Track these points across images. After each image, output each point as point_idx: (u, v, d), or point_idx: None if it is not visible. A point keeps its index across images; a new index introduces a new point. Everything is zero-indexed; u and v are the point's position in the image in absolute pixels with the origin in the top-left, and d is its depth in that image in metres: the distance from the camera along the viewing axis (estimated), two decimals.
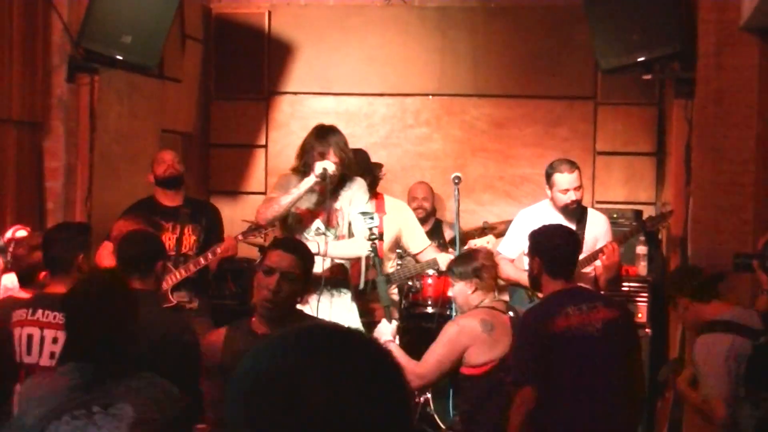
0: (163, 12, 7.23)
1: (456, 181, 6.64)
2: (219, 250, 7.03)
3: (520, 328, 5.11)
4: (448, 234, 8.25)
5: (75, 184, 7.24)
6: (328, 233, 6.26)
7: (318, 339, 1.59)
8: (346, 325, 1.65)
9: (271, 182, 9.55)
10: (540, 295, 5.55)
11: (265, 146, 9.69)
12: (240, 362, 1.59)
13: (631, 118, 9.11)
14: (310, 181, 6.04)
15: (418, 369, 5.61)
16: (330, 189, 6.12)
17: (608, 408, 4.93)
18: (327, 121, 9.38)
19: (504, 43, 9.35)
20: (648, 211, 8.58)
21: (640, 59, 7.04)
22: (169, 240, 7.15)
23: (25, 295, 5.27)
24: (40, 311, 4.94)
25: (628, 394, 5.04)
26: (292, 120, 9.67)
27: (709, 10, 6.81)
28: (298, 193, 6.04)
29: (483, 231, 7.67)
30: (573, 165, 6.92)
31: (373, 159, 7.55)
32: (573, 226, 6.91)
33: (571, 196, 6.86)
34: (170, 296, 6.82)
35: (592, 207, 7.75)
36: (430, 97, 9.49)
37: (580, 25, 8.34)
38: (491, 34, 9.37)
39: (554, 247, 5.14)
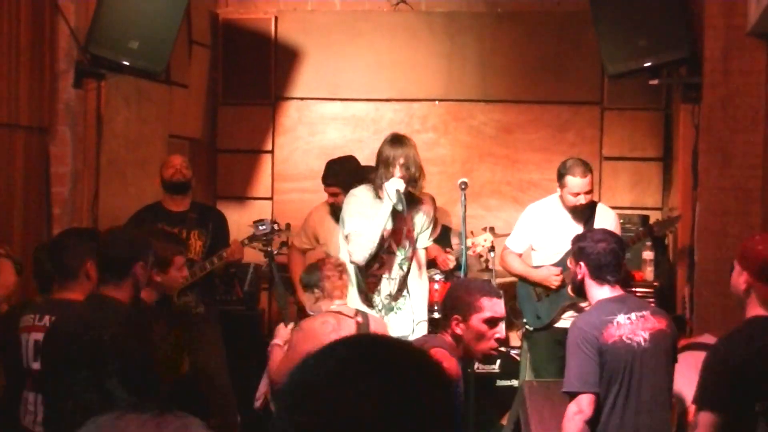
0: (170, 18, 7.23)
1: (462, 186, 6.63)
2: (225, 255, 7.04)
3: (574, 336, 4.94)
4: (455, 243, 8.25)
5: (82, 189, 7.24)
6: (398, 253, 6.29)
7: (367, 349, 1.60)
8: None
9: (278, 187, 9.59)
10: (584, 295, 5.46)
11: (272, 152, 9.69)
12: (291, 371, 1.60)
13: (637, 123, 9.11)
14: (389, 206, 6.06)
15: (270, 374, 5.81)
16: (404, 208, 6.14)
17: (653, 419, 4.87)
18: (333, 127, 9.51)
19: (511, 48, 9.35)
20: (655, 216, 8.57)
21: (647, 64, 7.03)
22: None
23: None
24: (47, 317, 4.93)
25: (669, 405, 5.00)
26: (299, 125, 9.67)
27: (715, 15, 6.80)
28: (383, 221, 6.06)
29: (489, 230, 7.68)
30: (586, 169, 6.90)
31: None
32: (581, 224, 6.93)
33: (581, 200, 6.87)
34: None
35: None
36: (437, 102, 9.50)
37: (587, 30, 8.33)
38: (498, 39, 9.37)
39: (599, 253, 4.99)
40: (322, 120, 9.62)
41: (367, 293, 6.31)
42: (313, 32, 9.61)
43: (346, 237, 6.16)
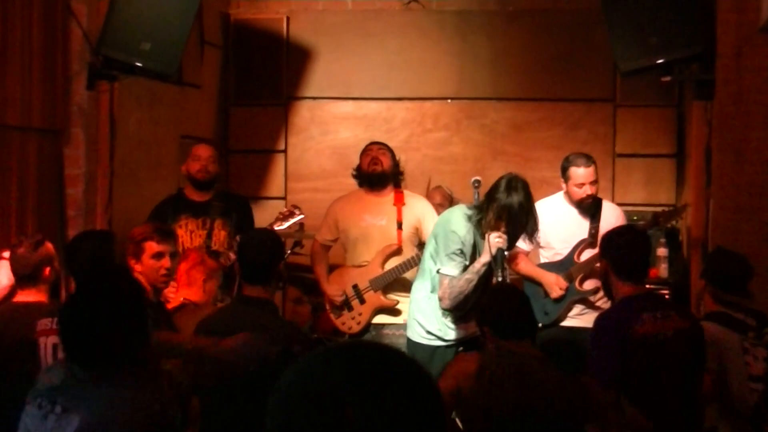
0: (182, 19, 7.25)
1: (476, 185, 6.62)
2: None
3: (599, 332, 4.94)
4: None
5: (95, 191, 7.26)
6: None
7: (359, 356, 1.62)
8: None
9: (291, 187, 9.61)
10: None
11: (285, 151, 9.70)
12: (282, 375, 1.62)
13: (650, 120, 9.09)
14: (486, 261, 6.00)
15: None
16: (499, 269, 6.01)
17: (675, 417, 4.83)
18: (346, 126, 9.51)
19: (523, 46, 9.35)
20: None
21: (659, 61, 7.01)
22: (199, 236, 7.15)
23: (31, 298, 5.23)
24: None
25: (692, 405, 4.93)
26: (311, 125, 9.68)
27: (728, 11, 6.78)
28: (477, 275, 6.03)
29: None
30: (589, 159, 6.91)
31: None
32: (587, 220, 6.93)
33: (587, 190, 6.86)
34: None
35: None
36: (449, 100, 9.49)
37: (598, 28, 8.33)
38: (510, 37, 9.36)
39: (621, 249, 5.00)
40: (335, 119, 9.63)
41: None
42: (325, 32, 9.62)
43: (438, 272, 6.18)
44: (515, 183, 5.98)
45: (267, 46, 9.65)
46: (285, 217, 7.31)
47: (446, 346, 6.34)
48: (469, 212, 6.14)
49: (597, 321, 5.12)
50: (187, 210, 7.20)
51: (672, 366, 4.83)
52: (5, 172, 6.54)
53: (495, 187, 6.03)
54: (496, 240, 5.95)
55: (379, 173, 7.20)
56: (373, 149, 7.36)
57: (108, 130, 7.35)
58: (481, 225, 6.04)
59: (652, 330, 4.81)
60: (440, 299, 6.15)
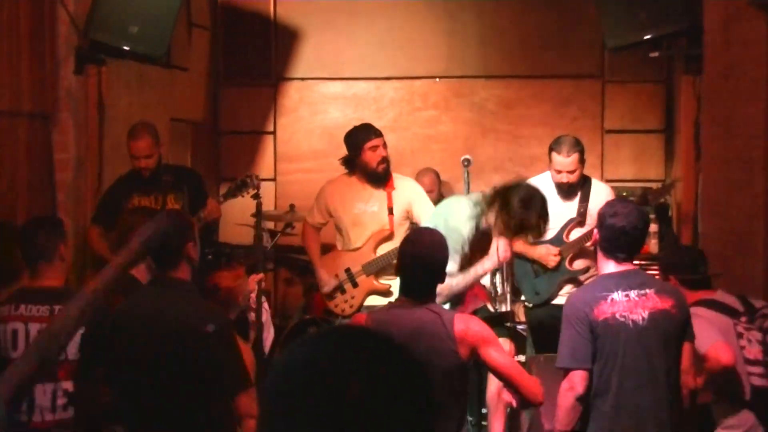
0: (169, 1, 7.23)
1: (465, 163, 6.62)
2: (203, 216, 6.97)
3: (567, 312, 4.86)
4: None
5: (85, 175, 7.26)
6: None
7: (359, 336, 1.69)
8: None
9: (281, 168, 9.60)
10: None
11: (274, 133, 9.70)
12: (281, 354, 1.69)
13: (639, 96, 9.12)
14: (490, 267, 5.95)
15: None
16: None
17: (650, 398, 4.72)
18: (335, 106, 9.49)
19: (511, 23, 9.35)
20: None
21: (647, 37, 7.02)
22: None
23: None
24: (23, 306, 4.95)
25: (674, 386, 4.82)
26: (301, 106, 9.68)
27: None
28: (476, 280, 6.00)
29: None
30: (573, 148, 6.82)
31: None
32: (576, 199, 6.91)
33: (563, 178, 6.85)
34: None
35: None
36: (438, 79, 9.49)
37: (587, 4, 8.35)
38: (498, 14, 9.36)
39: (612, 229, 4.83)
40: (324, 100, 9.63)
41: None
42: (313, 12, 9.60)
43: None
44: (535, 197, 5.94)
45: (255, 27, 9.64)
46: (237, 188, 7.25)
47: None
48: (474, 209, 5.98)
49: (568, 300, 5.10)
50: (138, 189, 7.09)
51: (645, 347, 4.70)
52: None
53: (510, 191, 5.90)
54: (504, 253, 5.88)
55: (386, 172, 7.17)
56: (379, 146, 7.20)
57: (97, 114, 7.34)
58: (484, 213, 5.92)
59: (623, 310, 4.70)
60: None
